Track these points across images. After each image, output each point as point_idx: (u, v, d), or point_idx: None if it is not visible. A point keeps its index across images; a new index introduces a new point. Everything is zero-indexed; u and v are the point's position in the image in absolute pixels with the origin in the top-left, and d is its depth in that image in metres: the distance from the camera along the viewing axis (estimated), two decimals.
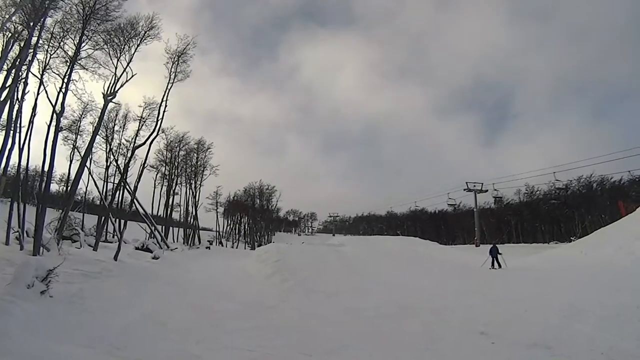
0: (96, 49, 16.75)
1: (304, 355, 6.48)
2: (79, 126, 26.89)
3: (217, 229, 55.79)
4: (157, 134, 21.10)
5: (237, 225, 62.41)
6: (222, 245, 50.51)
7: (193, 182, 40.07)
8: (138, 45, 17.80)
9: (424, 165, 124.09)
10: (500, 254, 19.69)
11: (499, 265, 19.30)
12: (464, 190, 45.50)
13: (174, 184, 38.33)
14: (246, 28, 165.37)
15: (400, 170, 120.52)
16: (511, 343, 6.69)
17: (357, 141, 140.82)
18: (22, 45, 13.34)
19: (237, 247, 52.76)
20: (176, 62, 19.99)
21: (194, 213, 39.73)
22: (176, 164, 38.43)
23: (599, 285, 10.91)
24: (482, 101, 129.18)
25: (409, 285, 13.01)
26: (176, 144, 37.54)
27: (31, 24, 13.26)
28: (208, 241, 39.02)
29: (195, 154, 39.95)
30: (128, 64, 17.48)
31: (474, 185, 44.86)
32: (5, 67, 13.04)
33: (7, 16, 12.91)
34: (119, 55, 17.46)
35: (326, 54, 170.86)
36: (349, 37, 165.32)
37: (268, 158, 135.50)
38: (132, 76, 17.63)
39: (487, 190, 45.38)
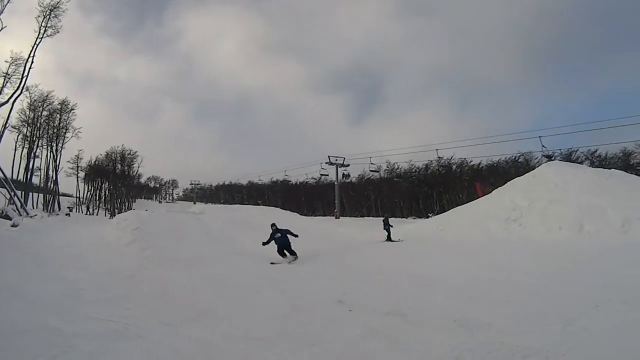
0: None
1: (164, 325, 6.44)
2: None
3: (78, 195, 53.41)
4: (22, 92, 20.57)
5: (98, 191, 58.86)
6: (90, 214, 48.95)
7: (54, 144, 38.42)
8: None
9: (294, 138, 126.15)
10: (391, 226, 18.60)
11: (390, 239, 18.08)
12: (326, 163, 47.04)
13: (35, 147, 36.48)
14: None
15: (270, 141, 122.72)
16: (367, 311, 6.92)
17: (230, 111, 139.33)
18: None
19: (97, 214, 50.38)
20: (48, 16, 19.42)
21: (54, 178, 38.53)
22: (38, 125, 36.49)
23: (453, 258, 11.54)
24: (356, 84, 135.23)
25: (268, 255, 12.97)
26: (40, 104, 35.83)
27: None
28: (68, 207, 37.87)
29: (59, 115, 38.18)
30: None
31: (336, 160, 46.60)
32: None
33: None
34: None
35: (211, 22, 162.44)
36: (237, 6, 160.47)
37: (140, 123, 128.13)
38: (2, 29, 17.28)
39: (348, 165, 47.94)
